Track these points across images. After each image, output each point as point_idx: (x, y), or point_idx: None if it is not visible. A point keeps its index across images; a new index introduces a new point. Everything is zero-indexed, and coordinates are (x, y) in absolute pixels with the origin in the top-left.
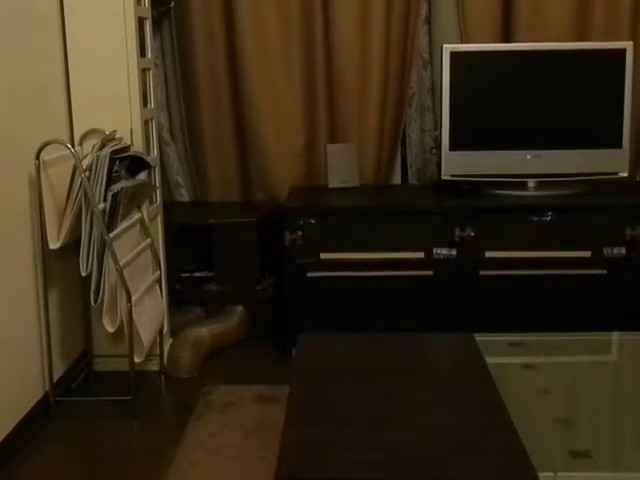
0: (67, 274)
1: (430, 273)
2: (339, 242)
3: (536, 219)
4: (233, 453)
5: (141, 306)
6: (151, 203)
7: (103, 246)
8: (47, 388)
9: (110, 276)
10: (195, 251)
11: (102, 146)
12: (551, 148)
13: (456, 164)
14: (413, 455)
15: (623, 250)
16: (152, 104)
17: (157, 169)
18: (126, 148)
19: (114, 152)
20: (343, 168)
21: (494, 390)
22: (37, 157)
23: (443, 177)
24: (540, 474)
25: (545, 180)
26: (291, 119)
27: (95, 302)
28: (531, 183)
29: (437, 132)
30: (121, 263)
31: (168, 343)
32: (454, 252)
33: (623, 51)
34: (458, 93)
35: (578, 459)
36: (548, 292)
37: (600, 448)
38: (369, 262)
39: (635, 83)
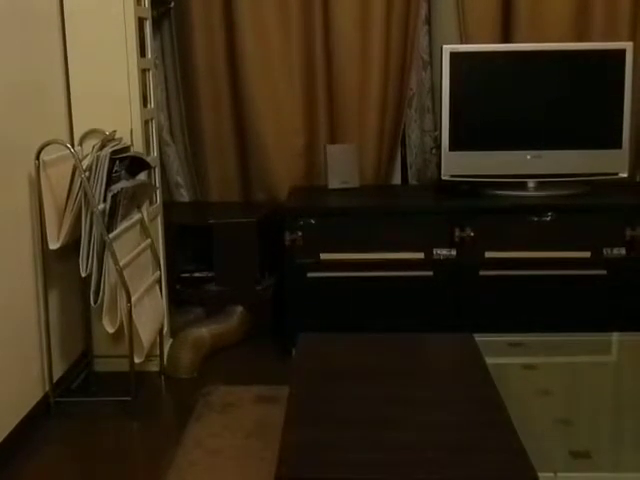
0: (67, 274)
1: (430, 273)
2: (339, 242)
3: (536, 219)
4: (233, 454)
5: (141, 306)
6: (151, 203)
7: (103, 246)
8: (47, 388)
9: (110, 276)
10: (195, 251)
11: (102, 146)
12: (551, 148)
13: (456, 164)
14: (413, 455)
15: (623, 250)
16: (152, 104)
17: (157, 169)
18: (126, 148)
19: (114, 152)
20: (343, 168)
21: (494, 390)
22: (37, 157)
23: (443, 177)
24: (540, 474)
25: (545, 180)
26: (291, 119)
27: (95, 302)
28: (531, 183)
29: (437, 132)
30: (121, 263)
31: (168, 343)
32: (454, 252)
33: (623, 52)
34: (458, 94)
35: (578, 459)
36: (548, 292)
37: (600, 448)
38: (369, 262)
39: (635, 84)
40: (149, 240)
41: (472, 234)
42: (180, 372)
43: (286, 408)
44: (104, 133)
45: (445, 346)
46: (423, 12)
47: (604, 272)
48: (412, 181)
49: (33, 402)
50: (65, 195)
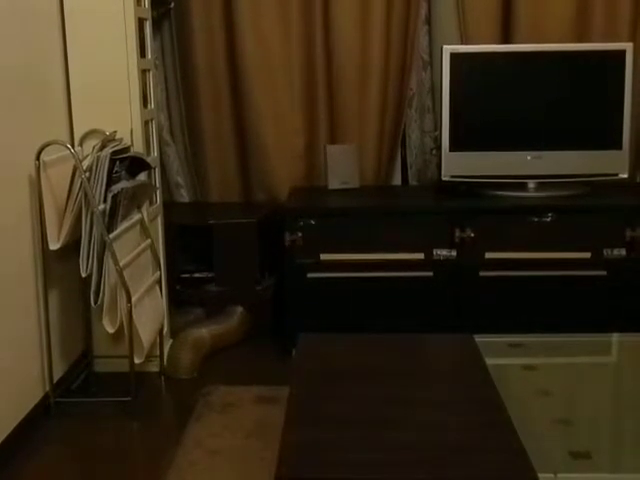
0: (67, 275)
1: (430, 274)
2: (339, 243)
3: (536, 220)
4: (233, 454)
5: (141, 307)
6: (151, 204)
7: (103, 247)
8: (47, 389)
9: (110, 277)
10: (195, 252)
11: (102, 147)
12: (551, 149)
13: (456, 165)
14: (413, 456)
15: (623, 251)
16: (152, 105)
17: (157, 170)
18: (126, 149)
19: (114, 153)
20: (343, 169)
21: (494, 391)
22: (37, 158)
23: (443, 178)
24: (540, 475)
25: (545, 181)
26: (291, 119)
27: (95, 303)
28: (531, 184)
29: (437, 133)
30: (121, 264)
31: (168, 344)
32: (454, 253)
33: (623, 52)
34: (458, 94)
35: (578, 460)
36: (548, 293)
37: (600, 449)
38: (369, 263)
39: (635, 84)
40: (149, 240)
41: (472, 235)
42: (180, 372)
43: (286, 408)
44: (104, 133)
45: (445, 347)
46: (423, 12)
47: (604, 273)
48: (412, 181)
49: (33, 402)
50: (65, 195)
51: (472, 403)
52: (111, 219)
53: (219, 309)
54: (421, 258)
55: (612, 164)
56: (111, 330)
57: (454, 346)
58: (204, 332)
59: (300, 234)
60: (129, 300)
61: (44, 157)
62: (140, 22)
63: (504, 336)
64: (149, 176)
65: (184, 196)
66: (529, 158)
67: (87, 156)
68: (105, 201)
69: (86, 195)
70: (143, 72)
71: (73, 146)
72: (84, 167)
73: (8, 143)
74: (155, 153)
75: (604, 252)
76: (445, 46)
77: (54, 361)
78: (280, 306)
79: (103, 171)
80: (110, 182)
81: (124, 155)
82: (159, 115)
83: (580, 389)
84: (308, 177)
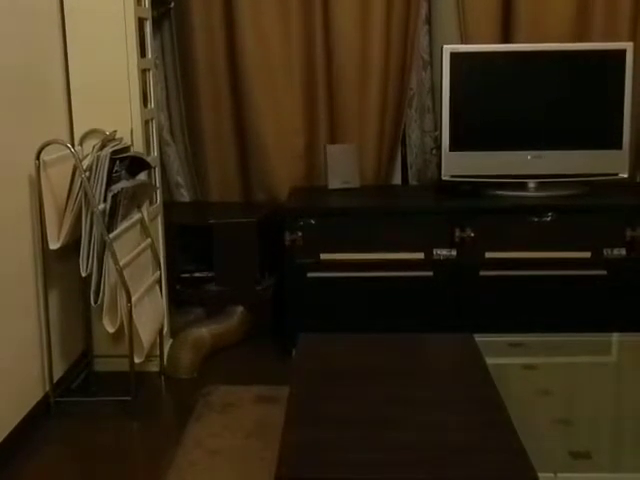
0: (67, 274)
1: (430, 274)
2: (339, 243)
3: (536, 220)
4: (233, 454)
5: (141, 306)
6: (151, 203)
7: (103, 246)
8: (47, 388)
9: (110, 276)
10: (195, 251)
11: (102, 146)
12: (551, 149)
13: (456, 165)
14: (413, 455)
15: (623, 251)
16: (152, 104)
17: (157, 169)
18: (126, 148)
19: (114, 152)
20: (343, 169)
21: (494, 391)
22: (37, 157)
23: (443, 178)
24: (540, 475)
25: (545, 181)
26: (291, 119)
27: (95, 302)
28: (531, 184)
29: (437, 133)
30: (121, 263)
31: (168, 344)
32: (454, 253)
33: (623, 52)
34: (458, 94)
35: (578, 460)
36: (548, 293)
37: (600, 449)
38: (369, 263)
39: (635, 84)
40: (149, 240)
41: (472, 234)
42: (180, 372)
43: (286, 408)
44: (104, 133)
45: (445, 346)
46: (423, 12)
47: (604, 272)
48: (412, 181)
49: (33, 402)
50: (65, 195)
51: (472, 403)
52: (111, 219)
53: (219, 309)
54: (421, 258)
55: (612, 164)
56: (111, 330)
57: (454, 346)
58: (204, 332)
59: (300, 234)
60: (129, 300)
61: (44, 157)
62: (140, 22)
63: (504, 336)
64: (149, 176)
65: (184, 196)
66: (529, 158)
67: (87, 156)
68: (105, 201)
69: (86, 195)
70: (143, 72)
71: (73, 146)
72: (84, 167)
73: (8, 143)
74: (155, 153)
75: (604, 252)
76: (445, 46)
77: (54, 361)
78: (280, 306)
79: (103, 171)
80: (110, 182)
81: (124, 155)
82: (159, 115)
83: (580, 389)
84: (308, 177)
